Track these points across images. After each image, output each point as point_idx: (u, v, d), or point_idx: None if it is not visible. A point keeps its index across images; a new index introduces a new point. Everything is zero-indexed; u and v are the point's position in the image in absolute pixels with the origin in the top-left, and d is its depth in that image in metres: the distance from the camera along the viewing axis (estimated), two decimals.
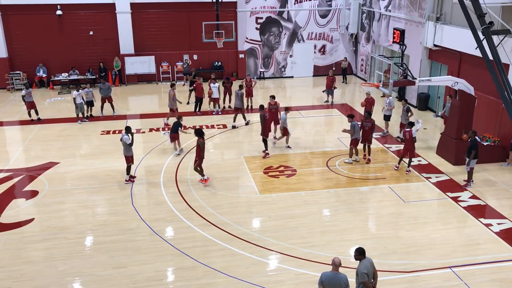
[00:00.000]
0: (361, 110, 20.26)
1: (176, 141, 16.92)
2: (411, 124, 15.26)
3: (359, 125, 15.94)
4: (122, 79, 27.27)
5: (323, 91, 23.73)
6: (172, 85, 20.05)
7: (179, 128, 16.64)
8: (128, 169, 14.58)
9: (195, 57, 27.72)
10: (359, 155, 16.19)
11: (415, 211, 12.90)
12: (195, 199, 13.59)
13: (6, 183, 14.70)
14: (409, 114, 17.31)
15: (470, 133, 14.41)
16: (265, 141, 16.60)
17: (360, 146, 16.25)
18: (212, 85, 21.35)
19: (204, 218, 12.53)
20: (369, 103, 18.82)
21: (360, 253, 8.18)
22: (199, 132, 14.18)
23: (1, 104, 23.69)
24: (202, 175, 14.48)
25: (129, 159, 14.44)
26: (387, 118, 18.66)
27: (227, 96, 22.26)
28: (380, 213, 12.86)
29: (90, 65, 26.79)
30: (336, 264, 7.92)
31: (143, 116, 21.63)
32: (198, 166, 14.30)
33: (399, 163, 15.58)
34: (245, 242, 11.40)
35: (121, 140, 14.41)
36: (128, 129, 14.44)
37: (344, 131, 16.04)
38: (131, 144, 14.28)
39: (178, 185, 14.46)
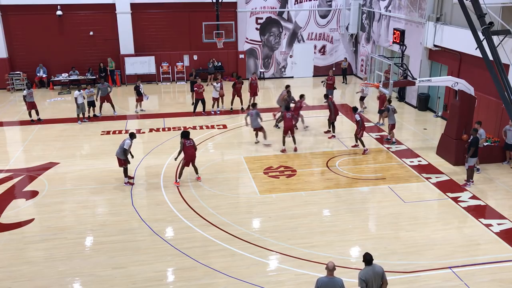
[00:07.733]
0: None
1: (139, 103, 21.85)
2: (357, 109, 17.32)
3: (289, 115, 16.71)
4: (122, 79, 27.26)
5: (324, 92, 23.71)
6: (287, 86, 20.64)
7: (141, 92, 21.53)
8: (125, 172, 14.53)
9: (195, 57, 27.72)
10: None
11: (415, 211, 12.90)
12: (195, 199, 13.58)
13: (6, 183, 14.70)
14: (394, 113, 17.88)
15: (472, 130, 14.40)
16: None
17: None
18: (215, 84, 21.34)
19: (204, 218, 12.53)
20: (381, 100, 18.94)
21: (364, 259, 8.12)
22: (183, 134, 14.32)
23: (1, 104, 23.68)
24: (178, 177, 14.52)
25: (121, 162, 14.37)
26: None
27: (235, 97, 21.87)
28: (380, 213, 12.85)
29: (90, 65, 26.79)
30: (330, 269, 7.87)
31: (143, 116, 21.62)
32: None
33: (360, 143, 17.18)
34: (245, 242, 11.40)
35: (123, 142, 14.36)
36: (132, 135, 14.46)
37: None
38: (126, 150, 14.24)
39: (178, 185, 14.47)
